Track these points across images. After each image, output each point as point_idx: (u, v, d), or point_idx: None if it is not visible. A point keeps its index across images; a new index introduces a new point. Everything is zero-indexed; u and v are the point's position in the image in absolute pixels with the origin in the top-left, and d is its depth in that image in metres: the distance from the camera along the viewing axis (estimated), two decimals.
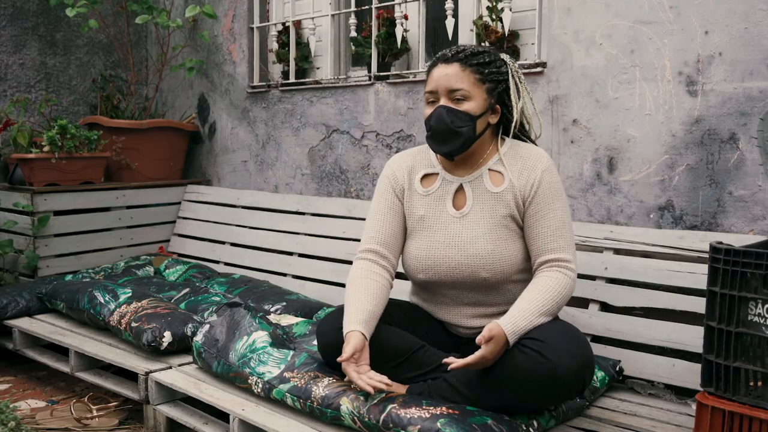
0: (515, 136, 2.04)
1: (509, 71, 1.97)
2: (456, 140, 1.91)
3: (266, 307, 2.76)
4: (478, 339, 1.72)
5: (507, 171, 1.95)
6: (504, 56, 1.99)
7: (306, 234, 3.25)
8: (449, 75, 1.91)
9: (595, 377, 2.05)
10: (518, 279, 1.95)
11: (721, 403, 1.62)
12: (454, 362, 1.73)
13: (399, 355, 1.92)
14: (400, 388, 1.90)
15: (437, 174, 2.04)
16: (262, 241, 3.41)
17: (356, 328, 1.83)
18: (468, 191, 1.98)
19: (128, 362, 2.39)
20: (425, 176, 2.06)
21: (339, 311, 1.99)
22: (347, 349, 1.79)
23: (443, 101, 1.91)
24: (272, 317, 2.47)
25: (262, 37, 3.75)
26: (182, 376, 2.26)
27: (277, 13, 3.73)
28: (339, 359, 1.80)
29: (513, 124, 1.98)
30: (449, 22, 2.92)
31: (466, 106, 1.90)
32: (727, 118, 2.20)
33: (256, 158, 3.70)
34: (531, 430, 1.77)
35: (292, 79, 3.52)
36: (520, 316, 1.77)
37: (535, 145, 2.06)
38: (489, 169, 1.98)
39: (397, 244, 2.05)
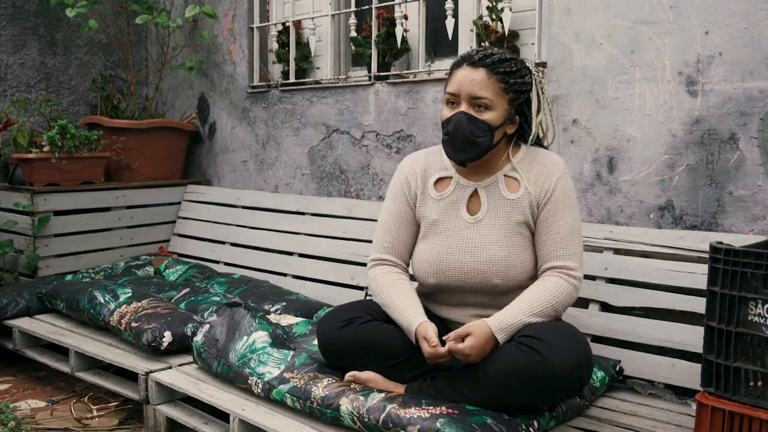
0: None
1: (533, 81, 1.94)
2: (472, 150, 1.88)
3: (266, 307, 2.76)
4: (455, 334, 1.78)
5: (522, 178, 1.94)
6: (530, 65, 1.96)
7: (306, 234, 3.24)
8: (474, 81, 1.85)
9: (595, 377, 2.05)
10: (528, 286, 1.93)
11: (721, 403, 1.62)
12: (451, 338, 1.79)
13: (399, 354, 1.92)
14: (399, 388, 1.90)
15: (451, 177, 2.01)
16: (262, 241, 3.41)
17: (424, 319, 1.88)
18: (483, 197, 1.96)
19: (128, 362, 2.39)
20: (439, 179, 2.03)
21: (339, 310, 2.02)
22: (433, 338, 1.82)
23: (464, 107, 1.87)
24: (272, 317, 2.47)
25: (262, 37, 3.75)
26: (182, 376, 2.26)
27: (277, 13, 3.72)
28: (433, 348, 1.81)
29: (531, 136, 1.96)
30: (449, 22, 2.91)
31: (487, 116, 1.86)
32: (727, 118, 2.19)
33: (256, 158, 3.70)
34: (531, 430, 1.77)
35: (292, 79, 3.52)
36: (509, 313, 1.81)
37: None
38: (504, 175, 1.96)
39: (407, 253, 2.08)
